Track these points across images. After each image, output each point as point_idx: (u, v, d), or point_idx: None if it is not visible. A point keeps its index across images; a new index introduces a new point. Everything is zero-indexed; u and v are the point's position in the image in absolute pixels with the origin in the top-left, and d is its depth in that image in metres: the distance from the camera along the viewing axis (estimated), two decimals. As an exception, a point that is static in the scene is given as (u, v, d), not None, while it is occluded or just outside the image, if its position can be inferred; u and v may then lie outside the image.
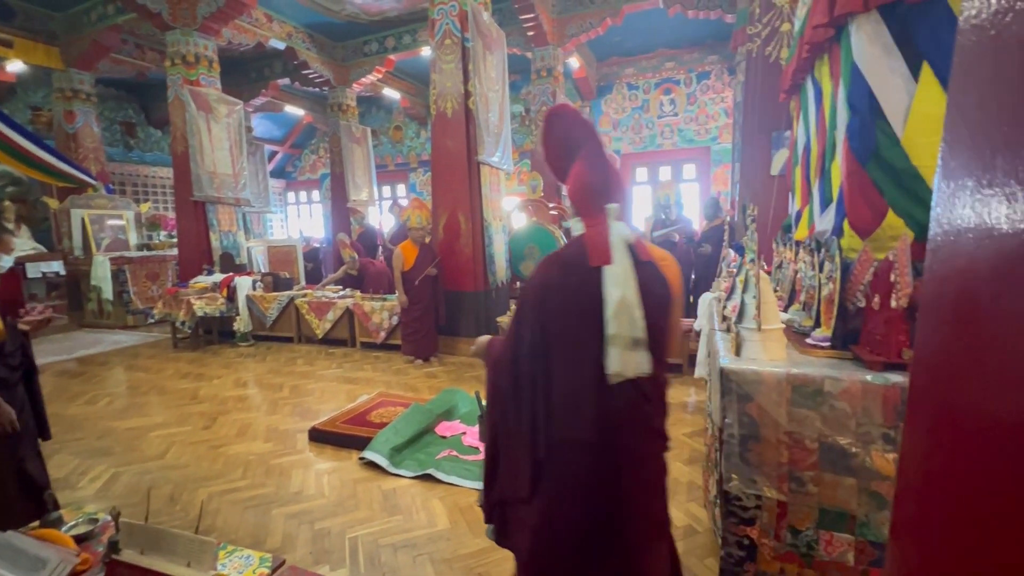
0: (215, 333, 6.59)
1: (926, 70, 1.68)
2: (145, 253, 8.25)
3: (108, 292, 7.56)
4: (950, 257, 0.49)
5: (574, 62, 8.92)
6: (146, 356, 5.92)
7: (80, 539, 1.50)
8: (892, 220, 1.75)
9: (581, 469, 1.20)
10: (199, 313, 6.03)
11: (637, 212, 9.90)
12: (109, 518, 1.51)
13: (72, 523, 1.59)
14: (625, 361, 1.15)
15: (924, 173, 1.69)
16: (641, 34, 8.76)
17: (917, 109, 1.70)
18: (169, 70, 6.63)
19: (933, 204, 0.55)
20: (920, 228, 1.66)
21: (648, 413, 1.24)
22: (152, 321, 7.72)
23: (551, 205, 5.99)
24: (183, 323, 6.07)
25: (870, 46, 1.78)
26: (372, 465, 2.89)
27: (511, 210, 6.41)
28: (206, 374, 5.06)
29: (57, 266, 7.62)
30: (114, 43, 7.78)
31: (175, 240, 8.01)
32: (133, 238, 8.37)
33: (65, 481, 2.82)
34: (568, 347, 1.20)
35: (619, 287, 1.15)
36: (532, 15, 6.88)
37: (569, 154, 1.27)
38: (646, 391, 1.21)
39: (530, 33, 7.31)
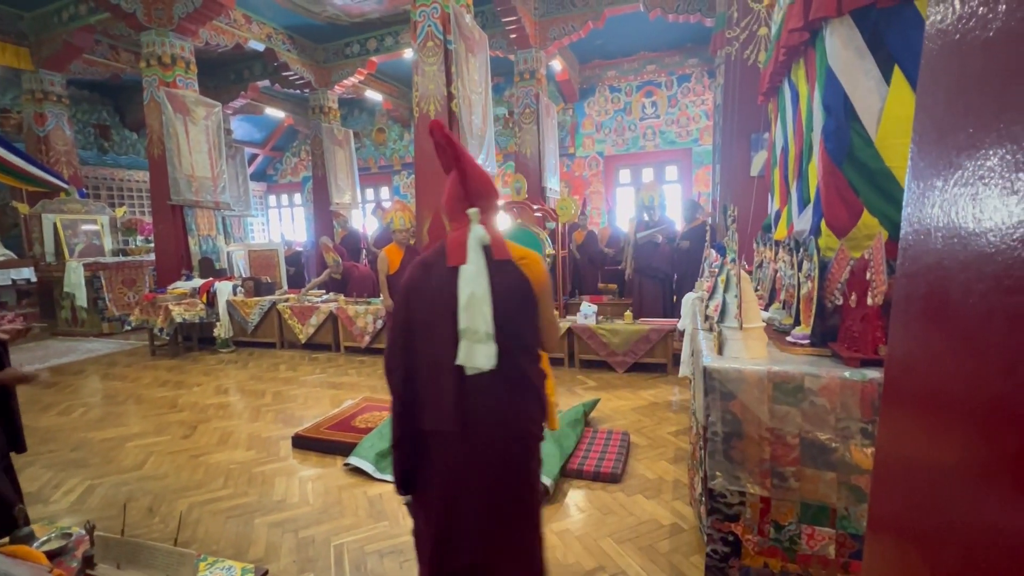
0: (195, 340, 6.45)
1: (897, 73, 1.72)
2: (121, 259, 8.05)
3: (82, 299, 7.35)
4: (920, 256, 0.51)
5: (557, 65, 8.97)
6: (123, 364, 5.77)
7: (53, 555, 1.46)
8: (867, 219, 1.79)
9: (447, 456, 1.30)
10: (178, 319, 5.91)
11: (621, 213, 9.99)
12: (83, 532, 1.47)
13: (44, 538, 1.54)
14: (474, 353, 1.21)
15: (897, 173, 1.74)
16: (622, 37, 8.85)
17: (889, 111, 1.75)
18: (144, 71, 6.49)
19: (904, 204, 0.57)
20: (894, 227, 1.71)
21: (515, 405, 1.30)
22: (129, 328, 7.53)
23: (535, 207, 6.00)
24: (161, 330, 5.94)
25: (844, 50, 1.82)
26: (357, 471, 2.86)
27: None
28: (186, 382, 4.95)
29: (28, 273, 7.39)
30: (87, 44, 7.59)
31: (152, 245, 7.83)
32: (108, 243, 8.16)
33: (37, 495, 2.73)
34: (430, 342, 1.28)
35: (470, 284, 1.22)
36: (514, 18, 6.90)
37: (447, 167, 1.35)
38: (510, 381, 1.28)
39: (512, 36, 7.33)
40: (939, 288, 0.47)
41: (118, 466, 3.08)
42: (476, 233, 1.27)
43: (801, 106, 2.38)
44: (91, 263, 7.50)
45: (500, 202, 1.41)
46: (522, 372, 1.31)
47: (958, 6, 0.46)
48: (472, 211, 1.30)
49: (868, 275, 1.57)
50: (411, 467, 1.35)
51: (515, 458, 1.34)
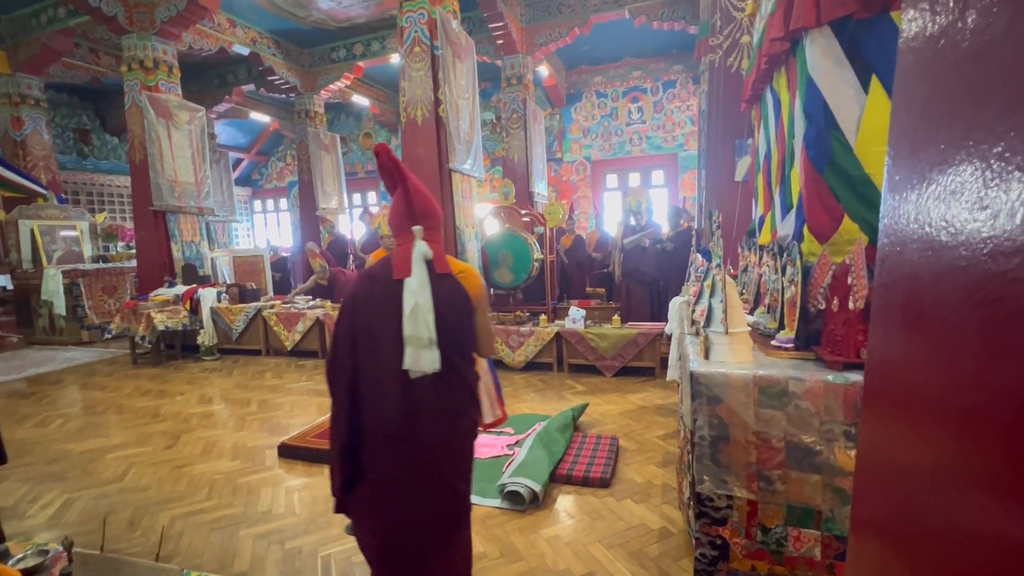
0: (178, 348, 6.34)
1: (875, 82, 1.77)
2: (101, 265, 7.88)
3: (61, 307, 7.18)
4: (897, 267, 0.52)
5: (543, 70, 9.02)
6: (103, 373, 5.65)
7: (29, 572, 1.42)
8: (848, 225, 1.83)
9: (388, 459, 1.38)
10: (160, 327, 5.80)
11: (609, 218, 10.07)
12: (61, 548, 1.43)
13: (20, 555, 1.49)
14: (419, 358, 1.32)
15: (876, 180, 1.78)
16: (608, 43, 8.94)
17: (867, 119, 1.79)
18: (126, 75, 6.39)
19: (881, 215, 0.58)
20: (874, 232, 1.74)
21: (451, 406, 1.42)
22: (109, 336, 7.37)
23: (523, 212, 6.02)
24: (143, 338, 5.82)
25: (823, 59, 1.87)
26: (345, 480, 2.82)
27: (484, 217, 6.41)
28: (168, 391, 4.86)
29: (3, 280, 7.21)
30: (66, 47, 7.46)
31: (133, 251, 7.69)
32: (88, 250, 7.99)
33: (12, 510, 2.66)
34: (375, 349, 1.38)
35: (414, 296, 1.32)
36: (501, 24, 6.93)
37: (391, 187, 1.46)
38: (450, 386, 1.40)
39: (499, 41, 7.37)
40: (915, 299, 0.48)
41: (98, 478, 3.01)
42: (419, 249, 1.38)
43: (783, 113, 2.42)
44: (70, 270, 7.34)
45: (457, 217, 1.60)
46: (460, 375, 1.43)
47: (929, 25, 0.47)
48: (416, 228, 1.41)
49: (849, 280, 1.60)
50: (352, 476, 1.41)
51: (456, 453, 1.46)
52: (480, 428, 1.55)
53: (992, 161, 0.37)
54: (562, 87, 10.15)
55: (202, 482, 2.91)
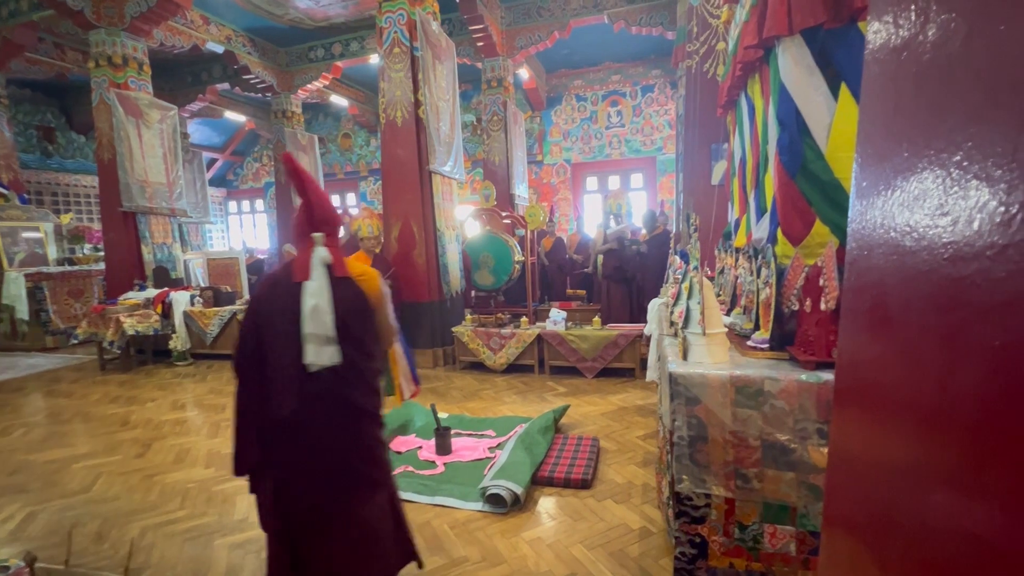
0: (149, 353, 6.16)
1: (844, 89, 1.82)
2: (67, 268, 7.60)
3: (23, 311, 6.90)
4: (864, 271, 0.53)
5: (524, 73, 9.06)
6: (69, 380, 5.44)
7: (-12, 591, 1.35)
8: (819, 228, 1.88)
9: (288, 442, 1.53)
10: (130, 332, 5.62)
11: (590, 220, 10.15)
12: (23, 564, 1.37)
13: (-22, 573, 1.43)
14: (319, 353, 1.46)
15: (845, 185, 1.83)
16: (588, 48, 9.03)
17: (837, 126, 1.84)
18: (93, 72, 6.19)
19: (849, 220, 0.60)
20: (844, 235, 1.79)
21: (348, 394, 1.56)
22: (75, 342, 7.10)
23: (504, 214, 6.02)
24: (111, 343, 5.63)
25: (795, 67, 1.92)
26: (324, 486, 2.78)
27: (465, 219, 6.40)
28: (139, 397, 4.71)
29: (-39, 284, 6.89)
30: (29, 41, 7.18)
31: (102, 254, 7.44)
32: (52, 252, 7.69)
33: (-29, 525, 2.54)
34: (277, 344, 1.52)
35: (314, 297, 1.46)
36: (481, 26, 6.94)
37: (297, 196, 1.60)
38: (346, 377, 1.54)
39: (480, 44, 7.37)
40: (881, 302, 0.50)
41: (63, 489, 2.90)
42: (319, 254, 1.51)
43: (757, 119, 2.48)
44: (33, 273, 7.05)
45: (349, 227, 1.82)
46: (358, 368, 1.57)
47: (893, 38, 0.49)
48: (317, 235, 1.54)
49: (821, 281, 1.64)
50: (255, 458, 1.55)
51: (357, 439, 1.61)
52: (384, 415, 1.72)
53: (952, 169, 0.39)
54: (542, 90, 10.20)
55: (175, 491, 2.83)
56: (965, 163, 0.37)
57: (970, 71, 0.37)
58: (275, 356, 1.52)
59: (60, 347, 7.13)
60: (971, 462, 0.36)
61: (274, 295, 1.55)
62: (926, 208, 0.42)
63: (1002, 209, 0.34)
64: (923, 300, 0.41)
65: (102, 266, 7.37)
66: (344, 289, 1.54)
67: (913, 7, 0.45)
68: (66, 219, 8.15)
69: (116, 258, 6.52)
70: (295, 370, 1.48)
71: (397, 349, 2.11)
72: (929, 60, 0.42)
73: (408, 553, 1.78)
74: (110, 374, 5.66)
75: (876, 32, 0.53)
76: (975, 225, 0.36)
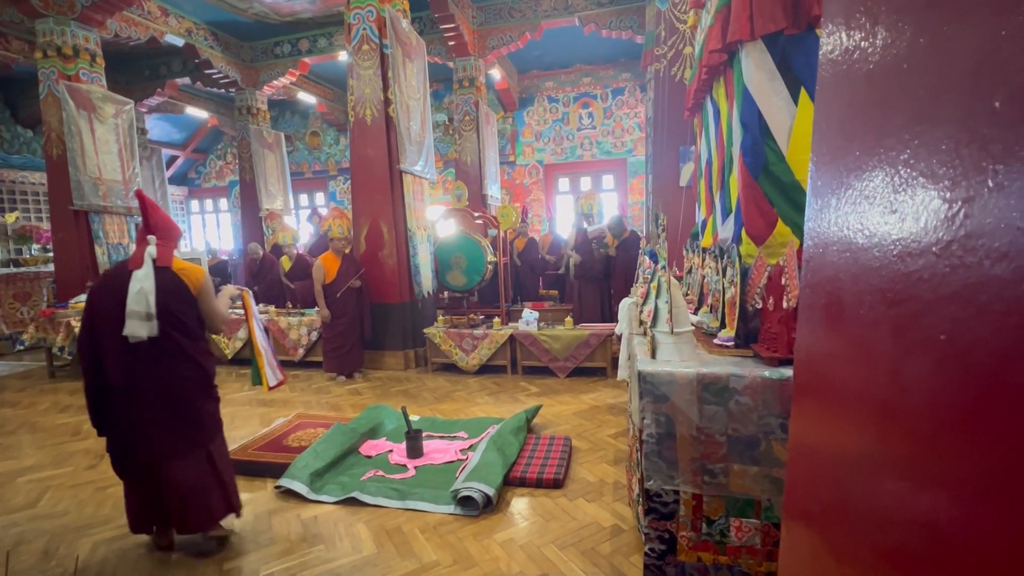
0: (103, 358, 5.86)
1: (803, 94, 1.88)
2: (12, 270, 7.17)
3: (-37, 316, 6.47)
4: (819, 268, 0.55)
5: (496, 74, 9.04)
6: (14, 389, 5.13)
7: (-85, 617, 1.25)
8: (781, 228, 1.94)
9: (124, 403, 2.01)
10: (82, 337, 5.33)
11: (562, 221, 10.20)
12: (-44, 588, 1.27)
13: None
14: (138, 327, 1.93)
15: (805, 186, 1.89)
16: (559, 50, 9.08)
17: (798, 129, 1.90)
18: (40, 63, 5.85)
19: (806, 219, 0.61)
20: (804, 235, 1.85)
21: (174, 366, 2.04)
22: (21, 348, 6.67)
23: (477, 214, 6.00)
24: (62, 348, 5.34)
25: (757, 71, 1.97)
26: (290, 493, 2.70)
27: (436, 219, 6.34)
28: (91, 406, 4.47)
29: None
30: (-32, 29, 6.75)
31: (51, 255, 7.04)
32: (-4, 253, 7.25)
33: (-100, 546, 2.35)
34: (106, 324, 1.98)
35: (139, 282, 1.96)
36: (452, 25, 6.89)
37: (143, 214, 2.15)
38: (171, 351, 2.03)
39: (451, 43, 7.32)
40: (835, 298, 0.51)
41: (6, 505, 2.72)
42: (149, 250, 2.04)
43: (722, 122, 2.54)
44: (-26, 275, 6.63)
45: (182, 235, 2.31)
46: (179, 344, 2.04)
47: (844, 40, 0.50)
48: (151, 237, 2.07)
49: (783, 280, 1.69)
50: (100, 414, 2.05)
51: (181, 403, 2.07)
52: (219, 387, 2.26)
53: (900, 168, 0.40)
54: (514, 91, 10.21)
55: (129, 503, 2.69)
56: (912, 161, 0.38)
57: (916, 71, 0.37)
58: (105, 333, 1.97)
59: (5, 353, 6.72)
60: (919, 451, 0.37)
61: (108, 285, 2.02)
62: (876, 206, 0.43)
63: (946, 206, 0.34)
64: (874, 295, 0.42)
65: (51, 267, 6.99)
66: (165, 277, 2.02)
67: (863, 11, 0.46)
68: (11, 218, 7.69)
69: (67, 259, 6.18)
70: (121, 344, 1.94)
71: (260, 342, 2.52)
72: (879, 61, 0.43)
73: (231, 506, 2.22)
74: (60, 381, 5.37)
75: (830, 34, 0.54)
76: (922, 222, 0.37)
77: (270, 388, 2.53)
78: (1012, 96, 0.29)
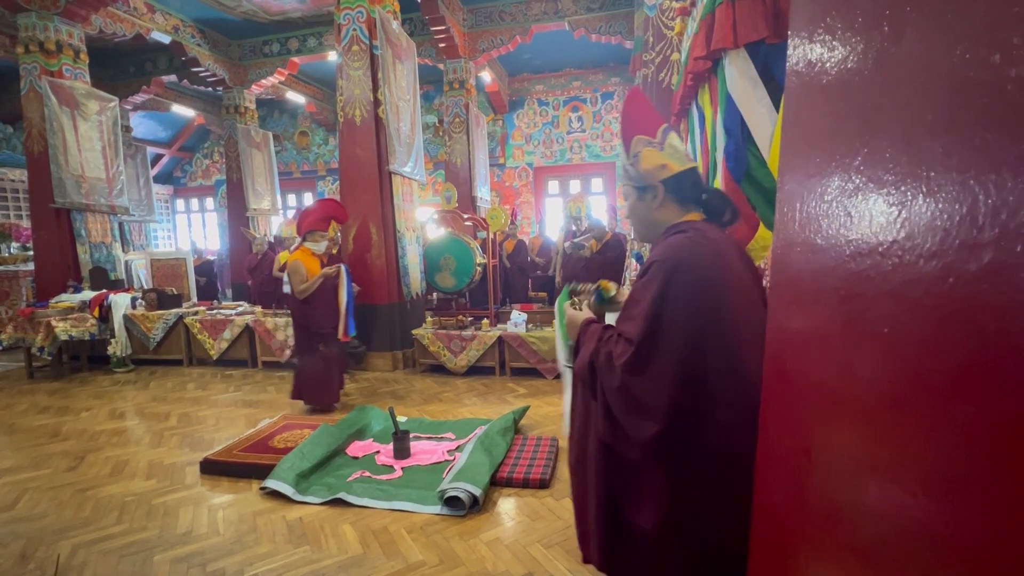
0: (84, 359, 5.77)
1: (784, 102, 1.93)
2: (-10, 268, 7.03)
3: (-62, 316, 6.33)
4: (785, 268, 0.57)
5: (486, 76, 9.08)
6: (-9, 390, 5.02)
7: None
8: (763, 232, 1.98)
9: None
10: (63, 336, 5.25)
11: (552, 223, 10.25)
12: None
13: None
14: None
15: (785, 191, 1.94)
16: (549, 53, 9.14)
17: (778, 135, 1.95)
18: (22, 58, 5.76)
19: (775, 221, 0.64)
20: (784, 239, 1.90)
21: None
22: (0, 348, 6.57)
23: (466, 216, 6.01)
24: (41, 349, 5.24)
25: (740, 79, 2.01)
26: (276, 495, 2.68)
27: (425, 221, 6.34)
28: (72, 407, 4.40)
29: None
30: (-53, 22, 6.61)
31: (31, 253, 6.91)
32: (-26, 251, 7.10)
33: None
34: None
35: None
36: (443, 27, 6.91)
37: None
38: None
39: (441, 45, 7.34)
40: (798, 297, 0.53)
41: (-18, 508, 2.67)
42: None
43: (707, 127, 2.58)
44: (-50, 274, 6.49)
45: None
46: None
47: (808, 53, 0.53)
48: None
49: (765, 283, 1.73)
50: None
51: None
52: None
53: (852, 174, 0.42)
54: (505, 94, 10.26)
55: (111, 505, 2.66)
56: (862, 167, 0.41)
57: (865, 85, 0.40)
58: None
59: (-18, 354, 6.57)
60: (868, 444, 0.40)
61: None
62: (833, 208, 0.46)
63: (891, 210, 0.37)
64: (830, 294, 0.45)
65: (31, 266, 6.86)
66: None
67: (824, 27, 0.49)
68: (-10, 215, 7.53)
69: (47, 258, 6.08)
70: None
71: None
72: (835, 74, 0.46)
73: None
74: (39, 382, 5.26)
75: (796, 47, 0.57)
76: (871, 224, 0.40)
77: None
78: (943, 110, 0.32)
